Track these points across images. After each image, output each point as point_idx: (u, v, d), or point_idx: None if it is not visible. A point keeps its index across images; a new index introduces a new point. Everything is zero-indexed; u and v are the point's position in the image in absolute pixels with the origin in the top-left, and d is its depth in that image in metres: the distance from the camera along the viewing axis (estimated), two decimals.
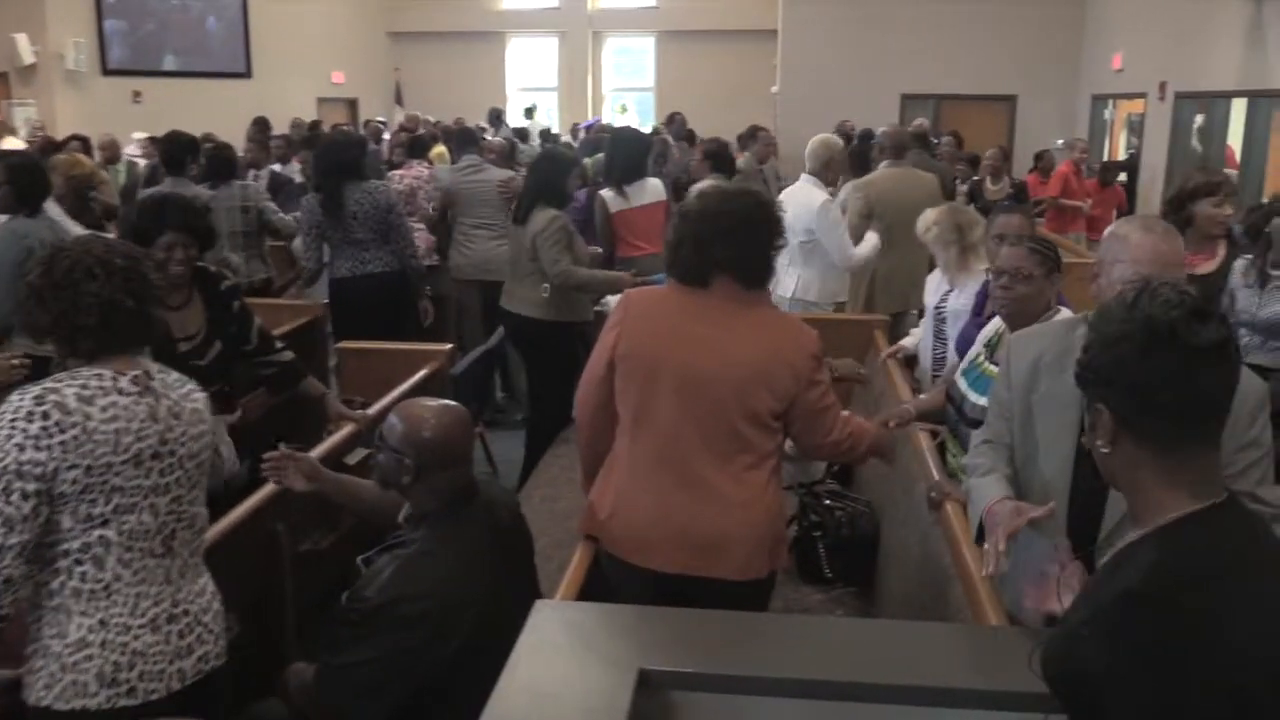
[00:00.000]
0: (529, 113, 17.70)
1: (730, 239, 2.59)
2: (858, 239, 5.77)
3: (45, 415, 2.03)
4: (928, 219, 4.35)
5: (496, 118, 14.77)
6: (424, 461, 2.45)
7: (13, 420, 2.03)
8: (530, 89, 20.54)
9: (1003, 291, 3.06)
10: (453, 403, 2.59)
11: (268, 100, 13.88)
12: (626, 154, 5.61)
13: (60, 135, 10.28)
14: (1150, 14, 11.95)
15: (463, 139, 7.29)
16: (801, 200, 5.51)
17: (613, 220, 5.48)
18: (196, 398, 2.32)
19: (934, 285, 4.44)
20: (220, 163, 6.18)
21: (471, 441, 2.58)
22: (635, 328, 2.65)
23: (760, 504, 2.60)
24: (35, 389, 2.08)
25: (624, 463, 2.66)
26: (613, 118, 19.22)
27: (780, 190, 8.03)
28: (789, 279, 5.55)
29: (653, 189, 5.61)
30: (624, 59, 20.49)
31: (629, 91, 20.37)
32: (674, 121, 11.55)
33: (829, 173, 5.70)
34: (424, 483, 2.47)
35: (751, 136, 9.17)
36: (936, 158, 8.78)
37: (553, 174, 4.95)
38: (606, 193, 5.54)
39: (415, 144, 8.05)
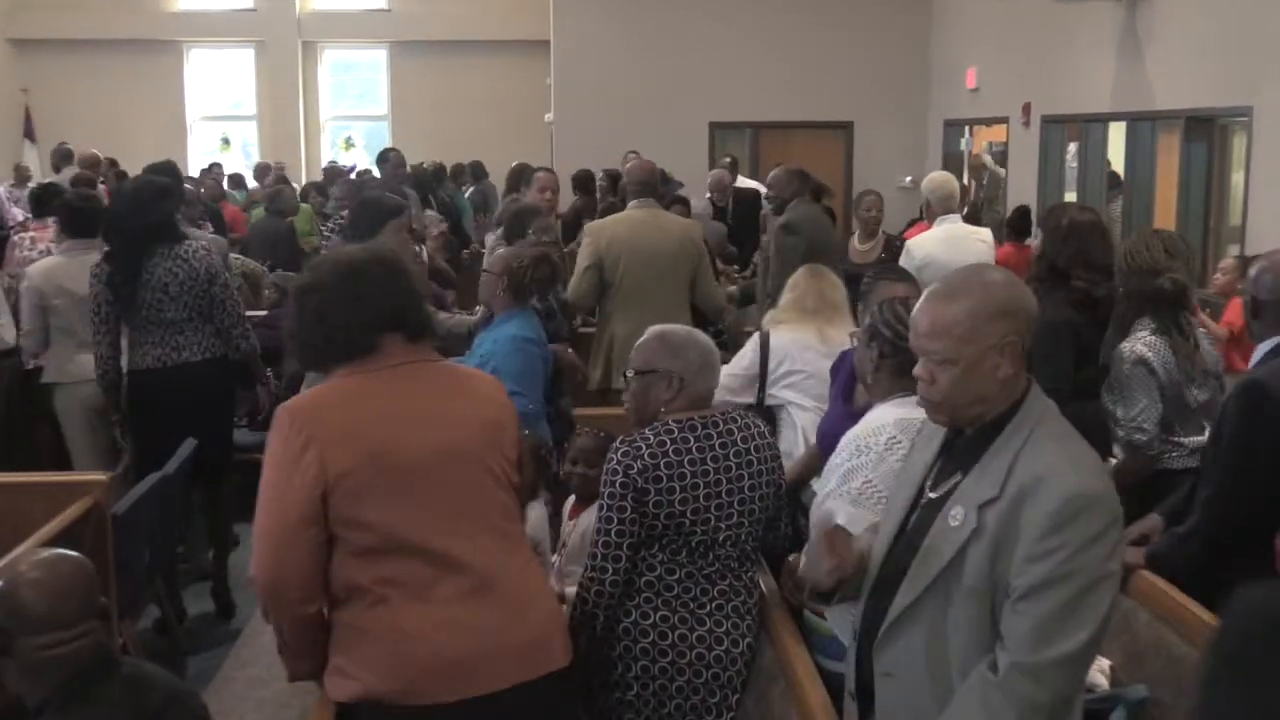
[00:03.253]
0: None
1: (383, 287, 2.95)
2: (579, 295, 6.51)
3: None
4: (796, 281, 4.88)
5: (64, 158, 13.47)
6: (14, 627, 2.53)
7: None
8: (220, 117, 20.14)
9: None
10: (69, 552, 2.72)
11: None
12: (372, 215, 5.79)
13: None
14: (1006, 23, 12.90)
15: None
16: (973, 242, 6.74)
17: None
18: None
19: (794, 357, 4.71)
20: None
21: (95, 600, 2.66)
22: (336, 433, 2.79)
23: (545, 578, 3.11)
24: None
25: (385, 597, 2.80)
26: (335, 155, 19.05)
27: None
28: None
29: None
30: (347, 78, 20.44)
31: (355, 120, 20.27)
32: (387, 161, 10.70)
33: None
34: (19, 658, 2.53)
35: (526, 180, 8.85)
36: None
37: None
38: None
39: (47, 196, 7.78)
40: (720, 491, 3.34)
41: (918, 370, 2.54)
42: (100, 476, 4.65)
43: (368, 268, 2.97)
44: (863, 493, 3.20)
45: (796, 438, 4.63)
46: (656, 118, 14.76)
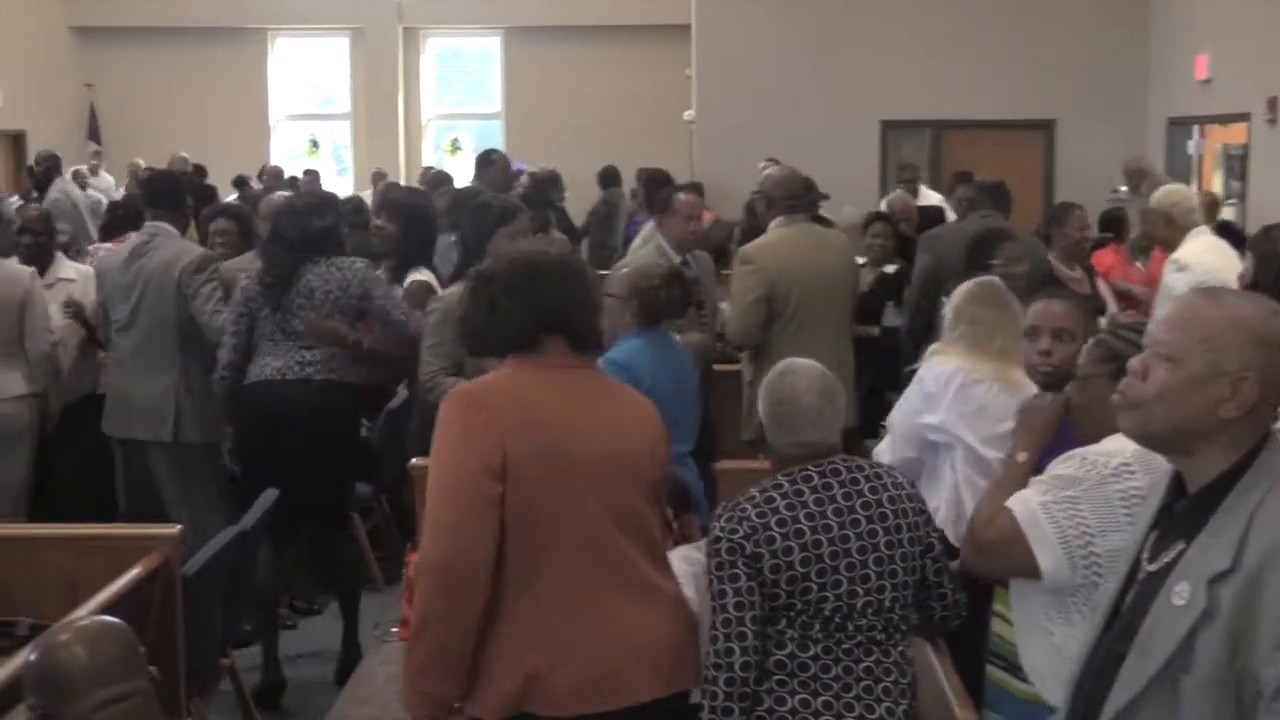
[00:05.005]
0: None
1: (554, 290, 3.35)
2: (746, 332, 6.52)
3: None
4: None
5: (51, 168, 13.58)
6: (56, 697, 2.68)
7: None
8: (308, 116, 20.50)
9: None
10: (109, 619, 2.91)
11: None
12: (479, 224, 5.92)
13: None
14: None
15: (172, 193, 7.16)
16: (1230, 252, 6.88)
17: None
18: None
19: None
20: None
21: (132, 666, 2.79)
22: (515, 418, 3.18)
23: (681, 595, 3.44)
24: None
25: (546, 591, 3.17)
26: (439, 159, 19.24)
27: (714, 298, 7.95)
28: None
29: None
30: (455, 69, 20.68)
31: (463, 119, 20.48)
32: (490, 165, 10.86)
33: None
34: None
35: (667, 199, 8.57)
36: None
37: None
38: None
39: (128, 208, 8.09)
40: (850, 549, 3.37)
41: (1133, 362, 2.54)
42: (170, 530, 4.68)
43: (546, 266, 3.40)
44: (1060, 504, 3.22)
45: (942, 488, 4.51)
46: (817, 116, 14.70)
